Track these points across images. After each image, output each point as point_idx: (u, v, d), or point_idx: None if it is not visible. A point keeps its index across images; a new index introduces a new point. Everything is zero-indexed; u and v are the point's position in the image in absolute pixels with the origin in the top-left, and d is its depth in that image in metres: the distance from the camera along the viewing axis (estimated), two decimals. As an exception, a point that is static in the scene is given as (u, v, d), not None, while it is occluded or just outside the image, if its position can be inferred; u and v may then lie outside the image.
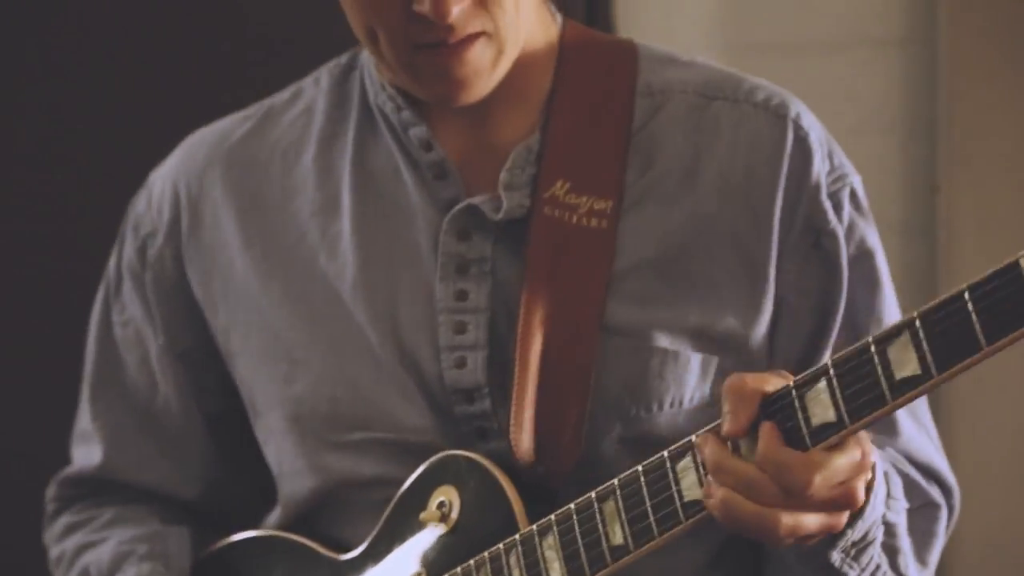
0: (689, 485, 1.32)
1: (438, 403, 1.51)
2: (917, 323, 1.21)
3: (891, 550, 1.44)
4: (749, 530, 1.29)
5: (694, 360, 1.46)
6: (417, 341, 1.52)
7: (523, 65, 1.52)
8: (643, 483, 1.35)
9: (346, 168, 1.58)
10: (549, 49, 1.55)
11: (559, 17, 1.58)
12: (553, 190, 1.52)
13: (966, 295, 1.18)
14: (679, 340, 1.44)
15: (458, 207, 1.52)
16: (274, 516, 1.63)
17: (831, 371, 1.26)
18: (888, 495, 1.41)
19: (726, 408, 1.29)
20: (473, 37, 1.45)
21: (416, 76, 1.48)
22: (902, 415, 1.54)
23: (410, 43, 1.45)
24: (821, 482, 1.26)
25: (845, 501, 1.29)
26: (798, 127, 1.52)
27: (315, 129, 1.61)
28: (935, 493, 1.55)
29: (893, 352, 1.22)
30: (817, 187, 1.51)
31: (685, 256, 1.48)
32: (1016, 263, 1.16)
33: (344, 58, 1.64)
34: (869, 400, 1.24)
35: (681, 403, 1.46)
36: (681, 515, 1.33)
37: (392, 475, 1.50)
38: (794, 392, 1.27)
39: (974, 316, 1.18)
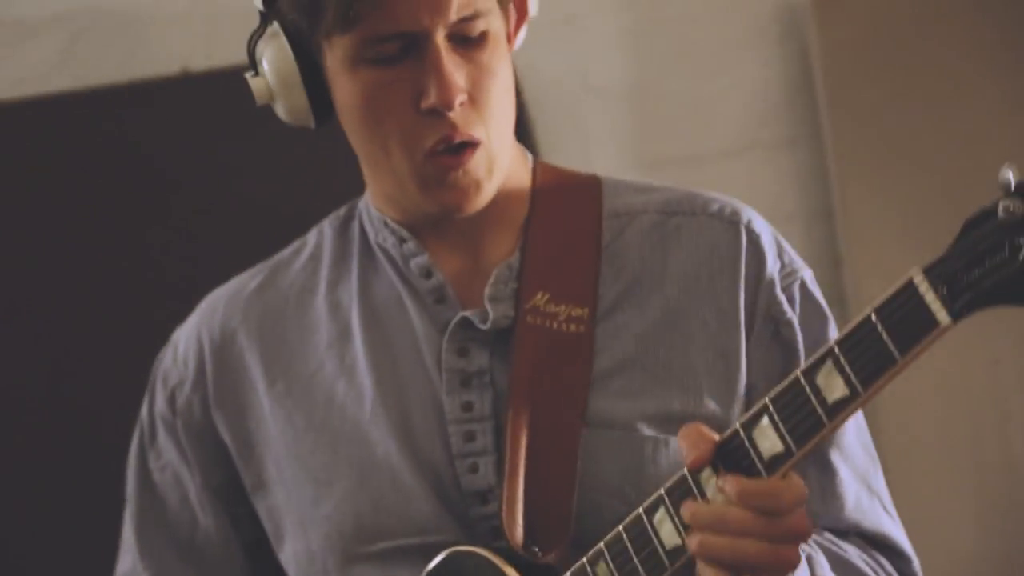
0: (668, 533, 1.36)
1: (455, 506, 1.54)
2: (836, 349, 1.26)
3: None
4: (728, 566, 1.33)
5: None
6: (432, 451, 1.55)
7: (504, 194, 1.59)
8: (627, 540, 1.38)
9: (354, 302, 1.63)
10: (525, 181, 1.63)
11: (530, 156, 1.66)
12: (534, 301, 1.57)
13: (872, 317, 1.23)
14: (666, 427, 1.48)
15: (453, 322, 1.57)
16: None
17: (770, 407, 1.30)
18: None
19: (686, 447, 1.35)
20: (472, 147, 1.52)
21: (424, 185, 1.54)
22: (850, 483, 1.57)
23: (420, 148, 1.52)
24: (792, 500, 1.31)
25: (801, 531, 1.34)
26: (751, 231, 1.58)
27: (323, 273, 1.67)
28: (868, 568, 1.56)
29: (821, 379, 1.26)
30: (772, 283, 1.57)
31: (663, 350, 1.52)
32: (911, 280, 1.22)
33: (343, 210, 1.71)
34: (809, 426, 1.28)
35: None
36: (666, 562, 1.37)
37: None
38: (742, 432, 1.32)
39: (883, 334, 1.22)
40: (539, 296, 1.57)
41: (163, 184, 2.77)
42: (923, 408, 2.85)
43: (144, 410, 1.72)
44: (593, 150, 2.92)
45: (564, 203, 1.62)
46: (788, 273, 1.59)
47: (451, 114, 1.50)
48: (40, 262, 2.78)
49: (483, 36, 1.53)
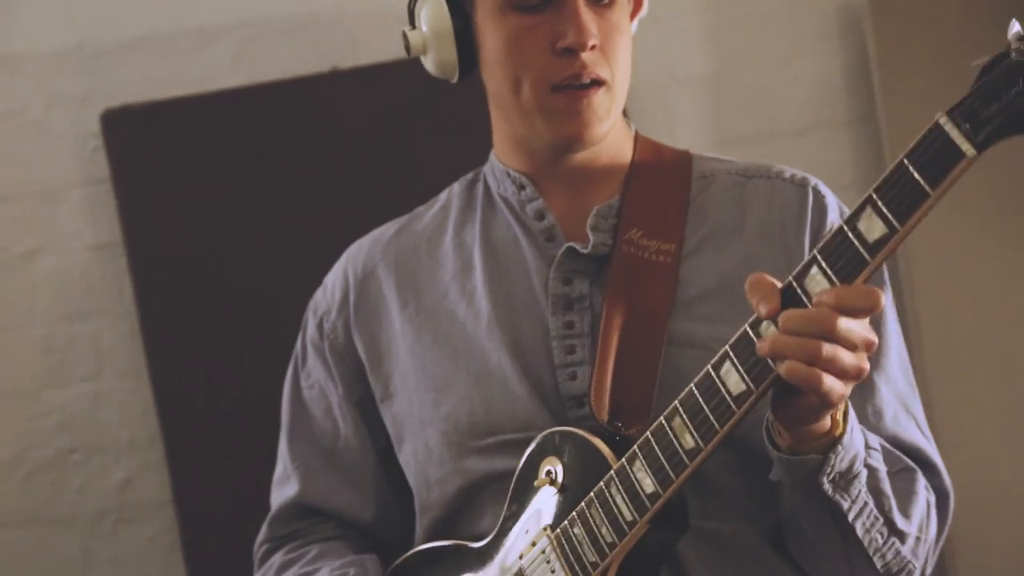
0: (734, 382, 1.40)
1: (555, 409, 1.63)
2: (873, 195, 1.30)
3: (877, 491, 1.51)
4: (802, 357, 1.34)
5: None
6: (538, 362, 1.65)
7: (611, 151, 1.69)
8: (698, 395, 1.43)
9: (476, 241, 1.74)
10: (628, 145, 1.72)
11: (633, 126, 1.75)
12: (630, 235, 1.66)
13: (905, 161, 1.27)
14: None
15: (560, 252, 1.66)
16: (421, 531, 1.74)
17: (818, 256, 1.34)
18: (867, 445, 1.51)
19: (758, 298, 1.37)
20: (597, 85, 1.60)
21: (550, 117, 1.62)
22: (889, 400, 1.61)
23: (550, 84, 1.60)
24: (873, 294, 1.32)
25: (869, 339, 1.35)
26: (817, 192, 1.68)
27: (451, 220, 1.79)
28: (910, 461, 1.61)
29: (862, 224, 1.30)
30: None
31: (740, 285, 1.51)
32: (936, 123, 1.25)
33: (470, 174, 1.83)
34: (854, 266, 1.31)
35: None
36: (733, 407, 1.40)
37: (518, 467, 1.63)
38: (794, 282, 1.36)
39: (915, 173, 1.26)
40: (634, 231, 1.66)
41: (317, 167, 2.88)
42: (961, 345, 2.96)
43: (298, 343, 1.86)
44: (678, 130, 3.06)
45: (659, 165, 1.72)
46: None
47: (583, 55, 1.59)
48: (216, 236, 2.86)
49: (612, 0, 1.64)
